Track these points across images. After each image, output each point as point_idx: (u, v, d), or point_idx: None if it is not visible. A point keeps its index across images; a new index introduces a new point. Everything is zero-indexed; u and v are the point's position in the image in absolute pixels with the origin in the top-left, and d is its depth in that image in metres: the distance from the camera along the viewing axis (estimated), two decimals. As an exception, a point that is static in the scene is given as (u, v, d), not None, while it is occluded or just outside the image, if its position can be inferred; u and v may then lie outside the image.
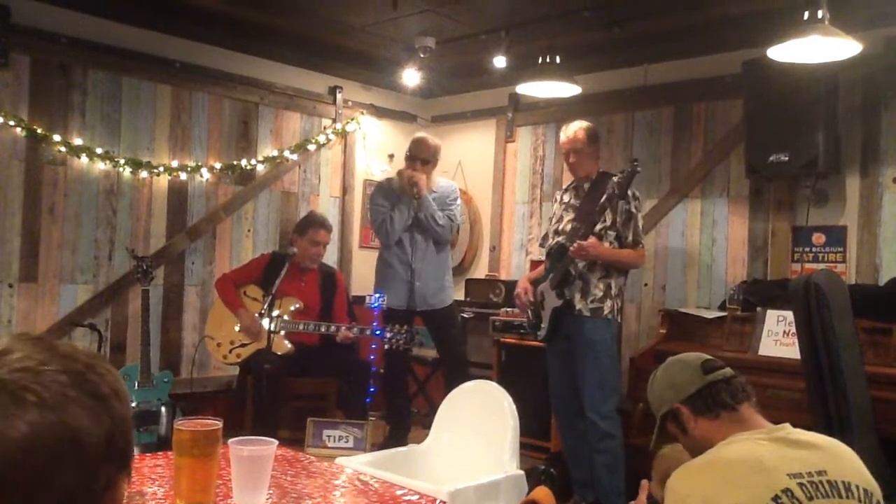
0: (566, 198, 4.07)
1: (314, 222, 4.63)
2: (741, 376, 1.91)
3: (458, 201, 4.82)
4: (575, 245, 3.70)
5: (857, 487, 1.63)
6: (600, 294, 3.81)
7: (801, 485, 1.57)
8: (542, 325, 3.93)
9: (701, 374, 1.87)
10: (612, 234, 3.81)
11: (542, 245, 4.28)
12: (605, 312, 3.81)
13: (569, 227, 3.92)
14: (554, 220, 4.08)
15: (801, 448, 1.67)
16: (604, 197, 3.76)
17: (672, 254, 4.93)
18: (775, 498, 1.54)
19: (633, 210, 3.82)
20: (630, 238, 3.83)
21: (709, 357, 1.94)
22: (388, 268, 4.70)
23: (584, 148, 3.94)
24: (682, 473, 1.70)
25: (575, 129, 3.97)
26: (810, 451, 1.67)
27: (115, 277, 4.70)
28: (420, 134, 4.81)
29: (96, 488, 0.77)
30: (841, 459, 1.68)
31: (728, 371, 1.90)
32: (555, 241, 3.97)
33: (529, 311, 4.05)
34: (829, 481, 1.60)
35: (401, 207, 4.60)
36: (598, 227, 3.76)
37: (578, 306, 3.80)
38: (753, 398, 1.86)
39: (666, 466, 2.01)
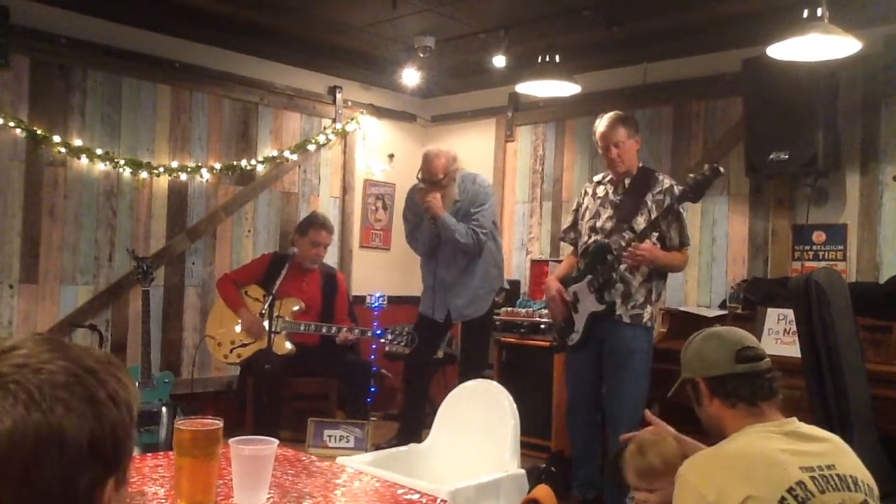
0: (601, 191, 3.75)
1: (315, 223, 4.63)
2: (775, 372, 1.87)
3: (487, 204, 4.43)
4: (630, 251, 3.42)
5: (863, 482, 1.65)
6: (641, 299, 3.57)
7: (812, 478, 1.59)
8: (576, 330, 3.66)
9: (732, 360, 1.84)
10: (654, 234, 3.53)
11: (562, 238, 4.02)
12: (645, 319, 3.58)
13: (608, 224, 3.64)
14: (588, 216, 3.75)
15: (811, 442, 1.69)
16: (655, 194, 3.56)
17: (672, 252, 4.92)
18: (790, 490, 1.56)
19: (681, 210, 3.56)
20: (676, 240, 3.58)
21: (750, 343, 1.89)
22: (423, 277, 4.61)
23: (626, 140, 3.63)
24: (696, 464, 1.70)
25: (613, 119, 3.64)
26: (818, 445, 1.69)
27: (116, 278, 4.70)
28: (430, 151, 4.43)
29: (77, 488, 0.78)
30: (845, 455, 1.71)
31: (763, 365, 1.85)
32: (592, 239, 3.68)
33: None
34: (838, 475, 1.62)
35: (423, 225, 4.45)
36: (643, 226, 3.52)
37: (619, 312, 3.55)
38: (779, 397, 1.84)
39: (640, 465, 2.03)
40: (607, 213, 3.69)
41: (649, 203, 3.60)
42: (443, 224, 4.30)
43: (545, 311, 4.42)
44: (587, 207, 3.80)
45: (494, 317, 4.90)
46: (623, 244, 3.47)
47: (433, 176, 4.33)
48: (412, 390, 4.65)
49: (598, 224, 3.69)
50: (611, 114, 3.73)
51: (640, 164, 3.78)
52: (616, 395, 3.60)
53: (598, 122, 3.75)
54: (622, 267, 3.55)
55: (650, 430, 2.14)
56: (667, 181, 3.65)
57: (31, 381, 0.77)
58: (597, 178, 3.89)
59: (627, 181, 3.70)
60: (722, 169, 3.37)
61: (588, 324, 3.63)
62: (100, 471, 0.80)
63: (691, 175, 3.44)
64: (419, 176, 4.41)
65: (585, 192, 3.87)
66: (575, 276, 3.74)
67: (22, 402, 0.75)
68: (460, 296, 4.42)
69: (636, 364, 3.57)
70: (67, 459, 0.77)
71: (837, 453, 1.69)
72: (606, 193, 3.74)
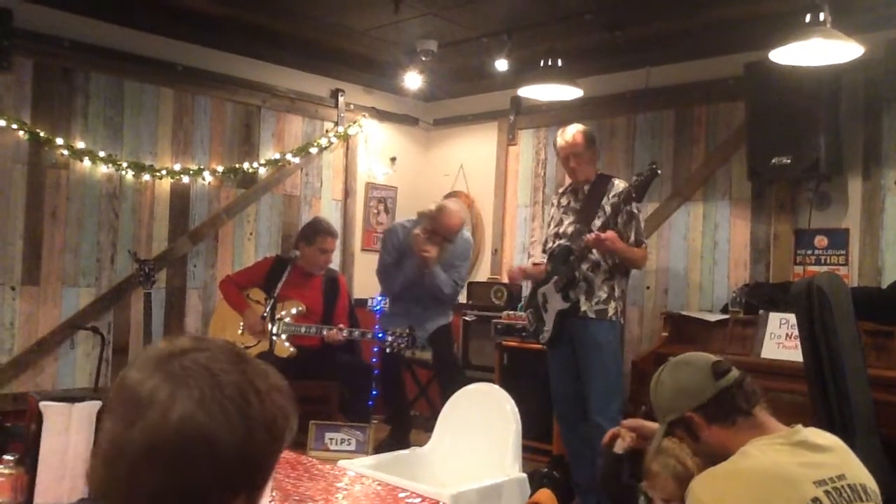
0: (564, 201, 4.01)
1: (321, 230, 4.63)
2: (749, 376, 1.84)
3: (469, 259, 4.87)
4: (593, 235, 3.61)
5: (871, 490, 1.64)
6: (604, 296, 3.77)
7: (826, 492, 1.57)
8: (546, 329, 3.88)
9: (713, 379, 1.79)
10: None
11: (544, 251, 4.19)
12: (610, 314, 3.77)
13: (570, 229, 3.87)
14: (553, 224, 4.02)
15: (820, 452, 1.66)
16: (611, 197, 3.75)
17: (674, 257, 4.92)
18: None
19: (635, 210, 3.78)
20: (633, 238, 3.78)
21: (716, 359, 1.85)
22: (388, 306, 4.93)
23: (583, 152, 3.88)
24: (708, 482, 1.66)
25: (573, 133, 3.90)
26: (827, 454, 1.67)
27: (118, 281, 4.70)
28: (451, 208, 4.66)
29: (210, 494, 0.85)
30: (851, 461, 1.70)
31: (737, 373, 1.82)
32: (556, 243, 3.92)
33: (531, 315, 3.99)
34: (849, 485, 1.60)
35: (406, 266, 4.69)
36: (600, 226, 3.71)
37: (583, 308, 3.75)
38: (762, 399, 1.81)
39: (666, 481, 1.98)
40: (569, 219, 3.94)
41: (606, 207, 3.80)
42: (433, 276, 4.60)
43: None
44: (553, 217, 4.06)
45: (495, 321, 4.95)
46: (589, 238, 3.65)
47: (449, 233, 4.61)
48: (394, 391, 4.81)
49: (562, 230, 3.94)
50: (570, 127, 3.95)
51: (599, 172, 4.00)
52: (589, 388, 3.75)
53: (558, 134, 4.00)
54: (585, 266, 3.76)
55: (630, 424, 2.10)
56: (621, 185, 3.83)
57: (207, 384, 0.85)
58: (561, 189, 4.15)
59: (587, 188, 3.92)
60: (660, 171, 3.56)
61: (556, 321, 3.83)
62: (236, 485, 0.87)
63: (635, 176, 3.62)
64: (427, 224, 4.58)
65: (552, 203, 4.14)
66: (543, 278, 3.94)
67: (194, 400, 0.84)
68: (425, 327, 4.74)
69: (604, 356, 3.75)
70: (213, 464, 0.84)
71: (845, 461, 1.68)
72: (569, 202, 4.01)
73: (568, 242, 3.84)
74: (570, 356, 3.85)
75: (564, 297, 3.78)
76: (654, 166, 3.52)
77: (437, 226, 4.56)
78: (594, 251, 3.72)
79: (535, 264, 5.45)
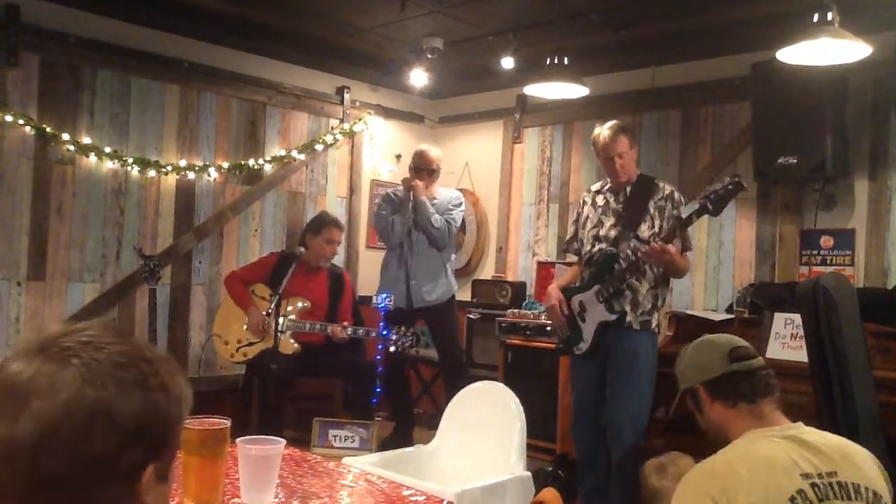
0: (601, 200, 3.75)
1: (328, 222, 4.67)
2: (769, 369, 1.90)
3: (461, 208, 4.94)
4: (656, 245, 3.36)
5: (867, 490, 1.64)
6: (649, 306, 3.58)
7: (813, 485, 1.59)
8: (584, 339, 3.64)
9: (727, 360, 1.88)
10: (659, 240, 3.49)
11: (567, 250, 4.01)
12: (653, 325, 3.60)
13: (612, 233, 3.64)
14: (590, 226, 3.74)
15: (814, 448, 1.68)
16: (657, 200, 3.57)
17: (679, 256, 4.91)
18: (791, 499, 1.56)
19: (683, 216, 3.53)
20: (680, 245, 3.51)
21: (741, 344, 1.93)
22: (387, 269, 4.87)
23: (628, 150, 3.63)
24: (698, 471, 1.71)
25: (615, 130, 3.62)
26: (822, 451, 1.68)
27: (123, 276, 4.71)
28: (422, 146, 4.98)
29: (118, 465, 0.82)
30: (852, 461, 1.69)
31: (756, 362, 1.89)
32: (597, 248, 3.67)
33: (564, 323, 3.75)
34: (839, 482, 1.61)
35: (402, 213, 4.75)
36: (647, 233, 3.52)
37: (629, 319, 3.55)
38: (776, 394, 1.86)
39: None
40: (610, 221, 3.68)
41: (651, 210, 3.59)
42: (422, 207, 4.69)
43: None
44: (588, 217, 3.79)
45: (499, 319, 4.93)
46: (652, 247, 3.40)
47: (429, 164, 4.82)
48: (397, 389, 4.76)
49: (602, 233, 3.68)
50: (611, 124, 3.69)
51: (639, 172, 3.77)
52: (619, 398, 3.56)
53: (597, 131, 3.72)
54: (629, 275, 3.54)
55: None
56: (667, 188, 3.66)
57: (92, 358, 0.83)
58: (594, 187, 3.89)
59: (628, 189, 3.69)
60: (745, 183, 3.26)
61: (598, 332, 3.61)
62: (142, 453, 0.84)
63: (711, 188, 3.28)
64: (411, 166, 4.85)
65: (584, 202, 3.86)
66: (579, 285, 3.72)
67: (81, 376, 0.82)
68: (426, 282, 4.76)
69: (641, 367, 3.54)
70: (113, 434, 0.82)
71: (842, 460, 1.68)
72: (607, 202, 3.73)
73: (613, 249, 3.59)
74: (601, 368, 3.63)
75: (609, 308, 3.56)
76: (738, 179, 3.21)
77: (418, 162, 4.81)
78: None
79: (540, 262, 5.46)
